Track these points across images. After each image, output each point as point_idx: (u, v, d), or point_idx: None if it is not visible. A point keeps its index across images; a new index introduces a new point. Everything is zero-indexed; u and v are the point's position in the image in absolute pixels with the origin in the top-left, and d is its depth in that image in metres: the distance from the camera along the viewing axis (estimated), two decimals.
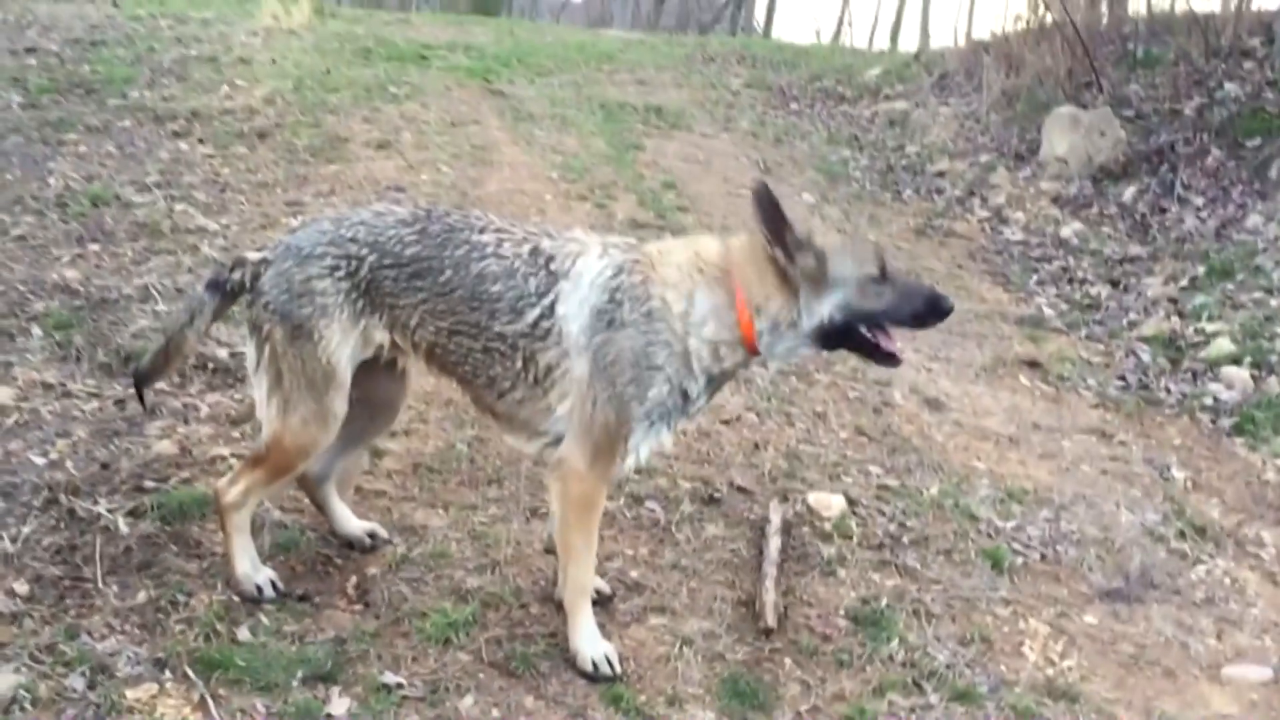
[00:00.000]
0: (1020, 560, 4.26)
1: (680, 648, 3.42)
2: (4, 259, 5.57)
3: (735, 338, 3.14)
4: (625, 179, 8.68)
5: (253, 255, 3.29)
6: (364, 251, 3.18)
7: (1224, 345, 6.48)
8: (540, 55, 14.44)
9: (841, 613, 3.73)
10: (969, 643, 3.69)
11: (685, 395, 3.16)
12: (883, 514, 4.39)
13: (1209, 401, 6.03)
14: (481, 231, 3.23)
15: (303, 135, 8.52)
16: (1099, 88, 11.05)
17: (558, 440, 3.20)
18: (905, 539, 4.24)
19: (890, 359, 3.22)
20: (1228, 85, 10.21)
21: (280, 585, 3.37)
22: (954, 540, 4.29)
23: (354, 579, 3.53)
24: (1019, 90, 11.68)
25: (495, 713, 3.05)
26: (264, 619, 3.25)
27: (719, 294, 3.12)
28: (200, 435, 4.22)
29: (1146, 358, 6.61)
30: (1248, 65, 10.58)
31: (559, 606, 3.38)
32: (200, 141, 8.16)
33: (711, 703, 3.22)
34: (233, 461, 3.92)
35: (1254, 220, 8.34)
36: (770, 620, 3.56)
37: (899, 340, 3.21)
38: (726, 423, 4.94)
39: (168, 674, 2.95)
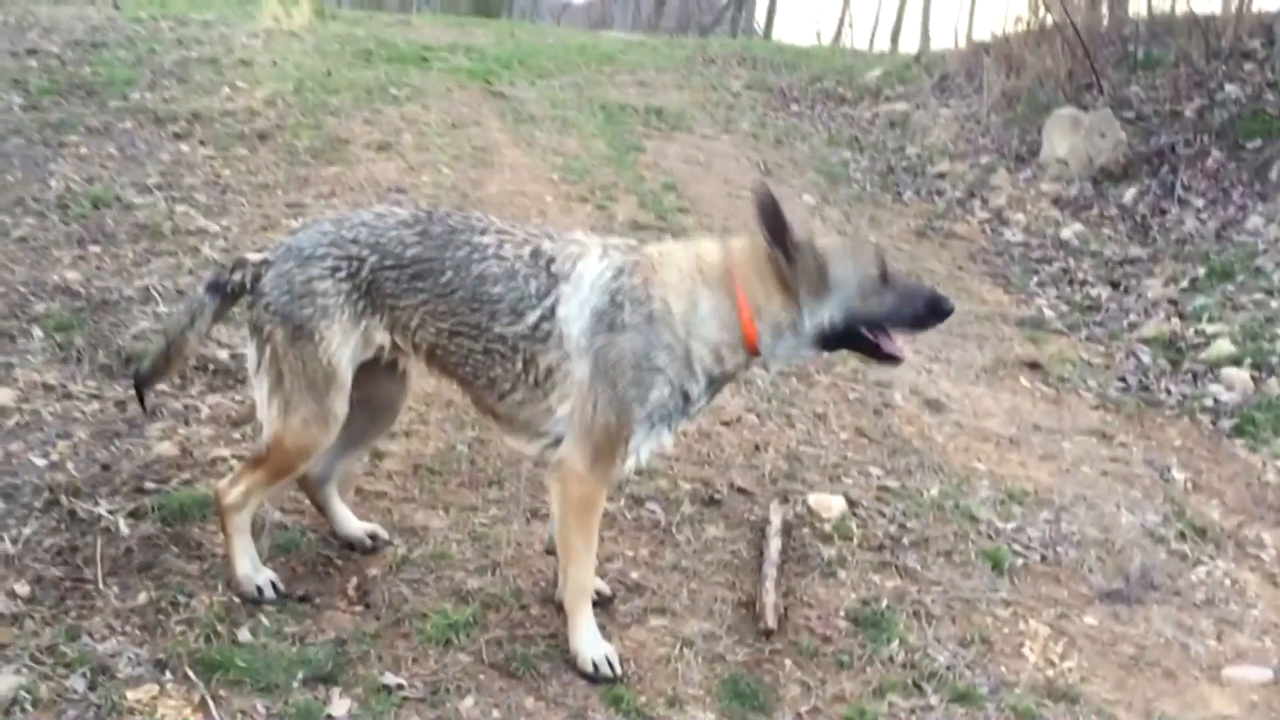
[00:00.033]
0: (1020, 561, 4.26)
1: (680, 649, 3.42)
2: (5, 260, 5.58)
3: (737, 340, 3.14)
4: (626, 180, 8.69)
5: (253, 256, 3.29)
6: (365, 253, 3.18)
7: (1224, 347, 6.48)
8: (541, 57, 14.45)
9: (842, 614, 3.73)
10: (969, 644, 3.69)
11: (686, 396, 3.17)
12: (883, 515, 4.39)
13: (1209, 403, 6.03)
14: (483, 233, 3.23)
15: (303, 137, 8.52)
16: (1099, 89, 11.05)
17: (558, 441, 3.20)
18: (905, 540, 4.25)
19: (892, 358, 3.24)
20: (1228, 87, 10.21)
21: (281, 586, 3.37)
22: (954, 541, 4.29)
23: (354, 580, 3.53)
24: (1019, 92, 11.69)
25: (496, 714, 3.05)
26: (264, 620, 3.25)
27: (721, 297, 3.13)
28: (201, 437, 4.23)
29: (1147, 359, 6.61)
30: (1248, 67, 10.58)
31: (559, 608, 3.38)
32: (201, 143, 8.17)
33: (712, 704, 3.22)
34: (233, 463, 3.92)
35: (1254, 222, 8.34)
36: (770, 621, 3.57)
37: (900, 338, 3.22)
38: (727, 424, 4.94)
39: (168, 675, 2.95)
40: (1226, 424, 5.79)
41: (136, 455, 4.02)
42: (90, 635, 3.05)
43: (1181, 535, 4.62)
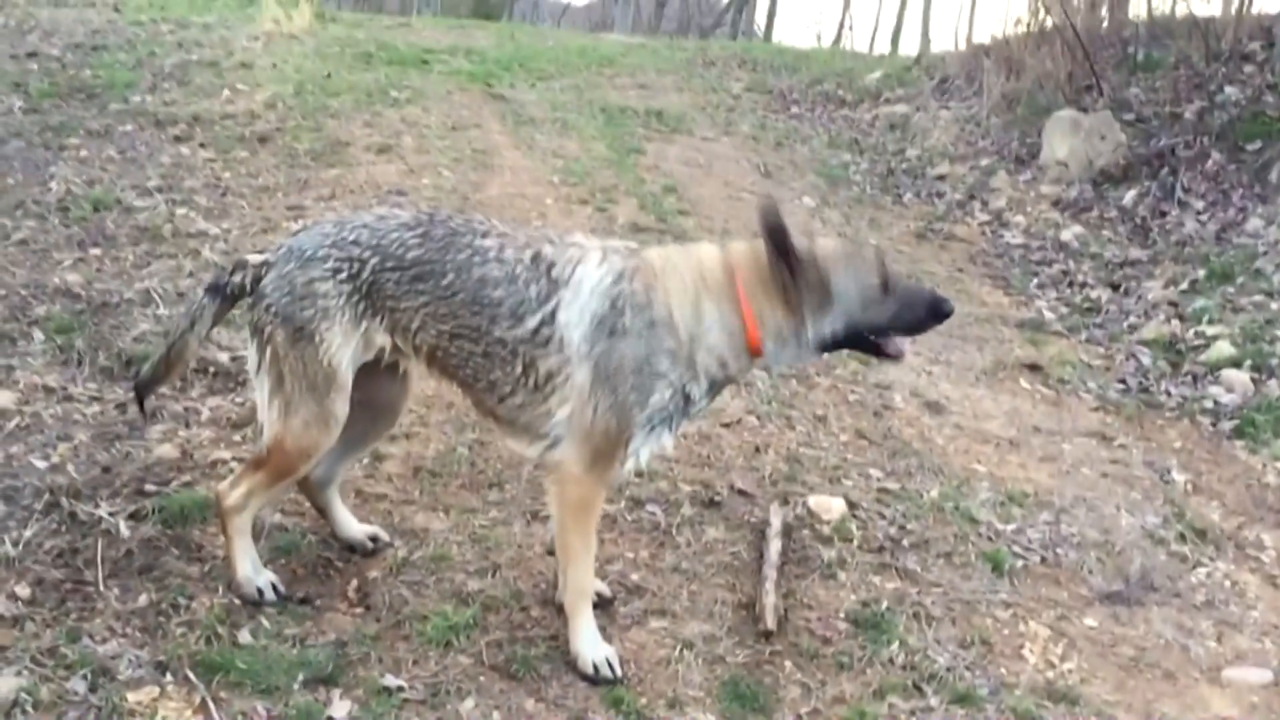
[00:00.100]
0: (1020, 563, 4.26)
1: (681, 650, 3.42)
2: (5, 263, 5.58)
3: (741, 347, 3.17)
4: (626, 183, 8.69)
5: (254, 258, 3.30)
6: (366, 254, 3.19)
7: (1224, 348, 6.48)
8: (541, 59, 14.45)
9: (842, 615, 3.73)
10: (969, 645, 3.69)
11: (688, 398, 3.19)
12: (883, 517, 4.39)
13: (1209, 404, 6.02)
14: (484, 236, 3.23)
15: (304, 139, 8.53)
16: (1099, 91, 11.05)
17: (558, 444, 3.21)
18: (905, 542, 4.25)
19: (893, 356, 3.31)
20: (1228, 89, 10.21)
21: (281, 588, 3.37)
22: (954, 543, 4.29)
23: (355, 582, 3.53)
24: (1019, 94, 11.69)
25: (496, 715, 3.05)
26: (265, 622, 3.25)
27: (726, 308, 3.14)
28: (201, 439, 4.23)
29: (1147, 361, 6.61)
30: (1248, 69, 10.57)
31: (560, 609, 3.39)
32: (201, 146, 8.18)
33: (712, 705, 3.23)
34: (234, 465, 3.92)
35: (1254, 224, 8.34)
36: (770, 623, 3.57)
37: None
38: (727, 426, 4.94)
39: (169, 677, 2.95)
40: (1226, 426, 5.79)
41: (137, 457, 4.03)
42: (91, 637, 3.05)
43: (1181, 537, 4.62)
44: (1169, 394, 6.20)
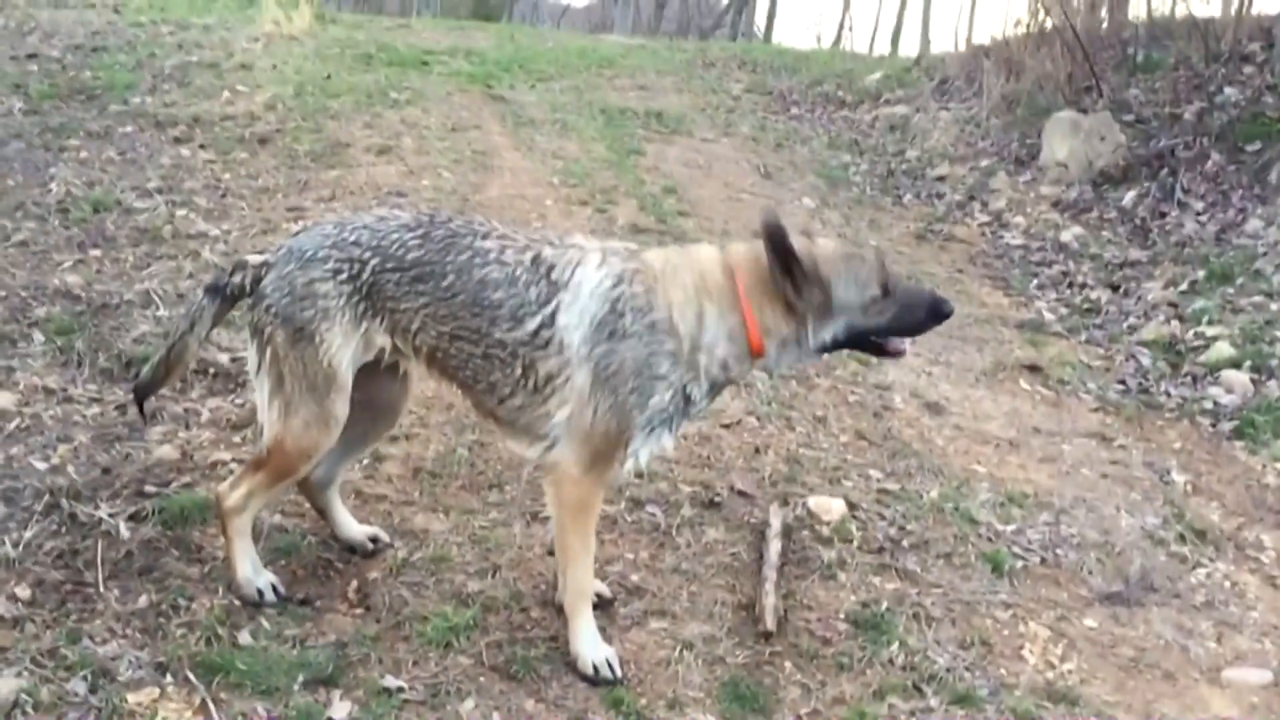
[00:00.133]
0: (1020, 564, 4.26)
1: (681, 651, 3.43)
2: (5, 264, 5.59)
3: (743, 350, 3.19)
4: (626, 184, 8.69)
5: (253, 259, 3.30)
6: (366, 255, 3.19)
7: (1224, 349, 6.48)
8: (541, 60, 14.46)
9: (841, 616, 3.73)
10: (969, 646, 3.69)
11: (688, 399, 3.19)
12: (883, 518, 4.39)
13: (1209, 405, 6.02)
14: (484, 237, 3.23)
15: (304, 141, 8.53)
16: (1099, 92, 11.06)
17: (557, 444, 3.21)
18: (905, 543, 4.25)
19: (894, 354, 3.36)
20: (1228, 90, 10.21)
21: (281, 589, 3.38)
22: (954, 544, 4.29)
23: (355, 583, 3.54)
24: (1019, 95, 11.69)
25: (496, 716, 3.05)
26: (265, 623, 3.26)
27: (727, 311, 3.15)
28: (201, 440, 4.23)
29: (1146, 362, 6.61)
30: (1248, 70, 10.57)
31: (560, 610, 3.39)
32: (201, 147, 8.18)
33: (712, 706, 3.23)
34: (234, 466, 3.92)
35: (1254, 224, 8.34)
36: (770, 624, 3.57)
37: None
38: (727, 427, 4.94)
39: (169, 678, 2.96)
40: (1226, 426, 5.79)
41: (137, 459, 4.03)
42: (91, 638, 3.06)
43: (1181, 537, 4.62)
44: (1169, 395, 6.20)
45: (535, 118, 10.79)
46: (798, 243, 3.12)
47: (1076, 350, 6.76)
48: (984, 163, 10.76)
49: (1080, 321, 7.29)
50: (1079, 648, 3.81)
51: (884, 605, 3.80)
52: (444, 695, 3.09)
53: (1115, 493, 4.96)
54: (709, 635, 3.53)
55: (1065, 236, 8.89)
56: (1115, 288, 7.88)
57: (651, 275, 3.16)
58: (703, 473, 4.54)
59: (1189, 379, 6.38)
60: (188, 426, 4.33)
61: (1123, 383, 6.33)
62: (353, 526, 3.71)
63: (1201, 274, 7.70)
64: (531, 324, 3.14)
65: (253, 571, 3.35)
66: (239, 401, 4.53)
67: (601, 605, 3.53)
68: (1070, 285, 8.02)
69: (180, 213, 6.68)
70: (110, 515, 3.61)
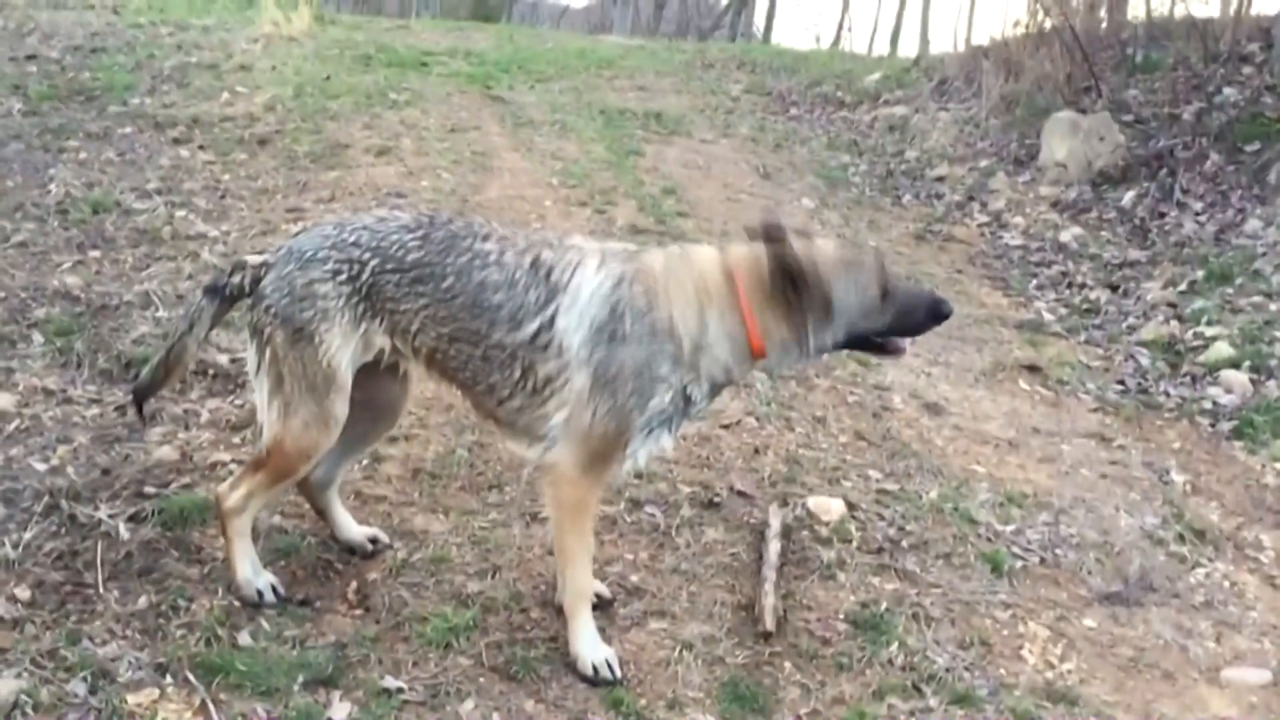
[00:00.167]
0: (1020, 564, 4.26)
1: (680, 652, 3.43)
2: (5, 265, 5.59)
3: (744, 352, 3.20)
4: (625, 185, 8.69)
5: (253, 259, 3.31)
6: (366, 256, 3.19)
7: (1223, 349, 6.48)
8: (540, 61, 14.46)
9: (841, 616, 3.74)
10: (968, 646, 3.69)
11: (688, 400, 3.20)
12: (882, 518, 4.39)
13: (1208, 405, 6.03)
14: (485, 239, 3.23)
15: (303, 142, 8.53)
16: (1098, 93, 11.06)
17: (554, 445, 3.21)
18: (905, 543, 4.25)
19: (894, 352, 3.37)
20: (1226, 90, 10.22)
21: (281, 590, 3.38)
22: (953, 544, 4.30)
23: (354, 584, 3.54)
24: (1018, 95, 11.69)
25: (496, 717, 3.05)
26: (265, 624, 3.26)
27: (728, 314, 3.16)
28: (201, 441, 4.24)
29: (1146, 362, 6.61)
30: (1246, 70, 10.58)
31: (559, 611, 3.39)
32: (201, 148, 8.19)
33: (711, 706, 3.23)
34: (233, 467, 3.93)
35: (1253, 225, 8.35)
36: (769, 624, 3.57)
37: None
38: (726, 427, 4.94)
39: (169, 679, 2.96)
40: (1225, 426, 5.79)
41: (136, 460, 4.03)
42: (91, 639, 3.06)
43: (1180, 537, 4.63)
44: (1168, 395, 6.21)
45: (534, 118, 10.79)
46: (797, 246, 3.12)
47: (1076, 350, 6.76)
48: (983, 163, 10.77)
49: (1079, 322, 7.29)
50: (1078, 648, 3.81)
51: (883, 605, 3.81)
52: (444, 696, 3.09)
53: (1114, 493, 4.96)
54: (708, 635, 3.54)
55: (1064, 237, 8.90)
56: (1114, 288, 7.88)
57: (652, 278, 3.16)
58: (702, 473, 4.54)
59: (1188, 379, 6.38)
60: (187, 427, 4.33)
61: (1122, 383, 6.34)
62: (352, 527, 3.72)
63: (1200, 274, 7.70)
64: (530, 327, 3.14)
65: (252, 572, 3.35)
66: (238, 402, 4.53)
67: (601, 606, 3.53)
68: (1069, 285, 8.02)
69: (179, 214, 6.68)
70: (110, 516, 3.61)
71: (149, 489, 3.84)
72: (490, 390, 3.23)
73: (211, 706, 2.87)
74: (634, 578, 3.80)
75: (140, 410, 3.64)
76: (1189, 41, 11.30)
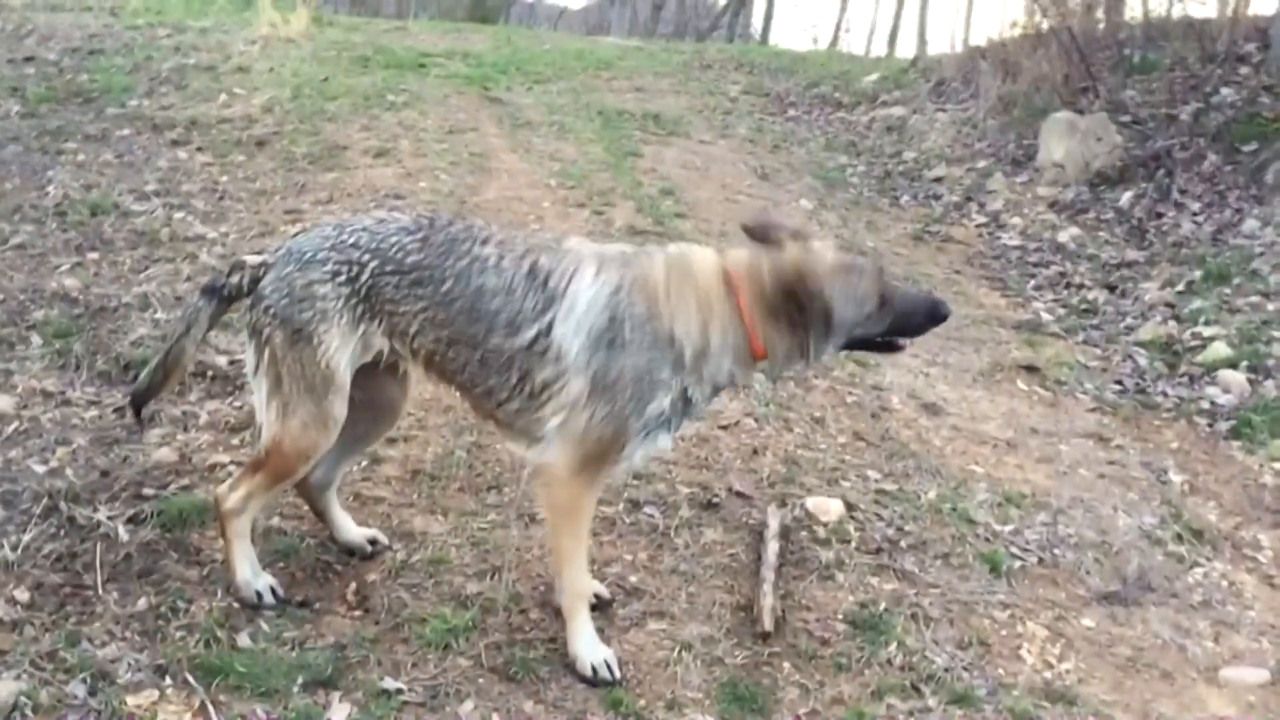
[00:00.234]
0: (1018, 564, 4.26)
1: (679, 652, 3.43)
2: (3, 267, 5.59)
3: (745, 357, 3.22)
4: (623, 186, 8.69)
5: (252, 259, 3.31)
6: (365, 257, 3.19)
7: (1221, 349, 6.49)
8: (538, 63, 14.46)
9: (840, 617, 3.74)
10: (967, 646, 3.69)
11: (688, 401, 3.21)
12: (881, 518, 4.39)
13: (1206, 405, 6.03)
14: (484, 243, 3.23)
15: (301, 143, 8.53)
16: (1095, 93, 11.07)
17: (549, 446, 3.21)
18: (903, 543, 4.25)
19: (892, 350, 3.44)
20: (1224, 90, 10.23)
21: (280, 591, 3.38)
22: (952, 544, 4.30)
23: (354, 585, 3.54)
24: (1016, 96, 11.70)
25: (495, 718, 3.06)
26: (264, 625, 3.26)
27: (730, 324, 3.17)
28: (199, 442, 4.24)
29: (1144, 362, 6.61)
30: (1244, 70, 10.60)
31: (558, 612, 3.39)
32: (199, 150, 8.19)
33: (711, 707, 3.23)
34: (232, 468, 3.93)
35: (1250, 225, 8.35)
36: (768, 624, 3.57)
37: None
38: (725, 428, 4.95)
39: (168, 680, 2.96)
40: (1223, 426, 5.80)
41: (135, 461, 4.04)
42: (90, 641, 3.06)
43: (1179, 537, 4.63)
44: (1166, 395, 6.21)
45: (532, 120, 10.79)
46: (796, 253, 3.12)
47: (1074, 350, 6.76)
48: (981, 164, 10.78)
49: (1077, 322, 7.30)
50: (1077, 647, 3.82)
51: (882, 605, 3.81)
52: (443, 697, 3.09)
53: (1113, 493, 4.96)
54: (707, 636, 3.54)
55: (1062, 237, 8.90)
56: (1112, 288, 7.89)
57: (651, 285, 3.16)
58: (701, 474, 4.54)
59: (1186, 379, 6.39)
60: (186, 429, 4.34)
61: (1120, 383, 6.34)
62: (351, 529, 3.72)
63: (1198, 274, 7.71)
64: (528, 333, 3.14)
65: (252, 574, 3.36)
66: (237, 404, 4.53)
67: (600, 606, 3.54)
68: (1067, 286, 8.03)
69: (178, 215, 6.69)
70: (109, 518, 3.61)
71: (148, 491, 3.84)
72: (488, 393, 3.24)
73: (211, 708, 2.87)
74: (633, 578, 3.80)
75: (138, 415, 3.63)
76: (1186, 42, 11.32)
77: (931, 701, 3.38)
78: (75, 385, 4.53)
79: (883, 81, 14.40)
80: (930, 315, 3.30)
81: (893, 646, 3.59)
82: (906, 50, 26.71)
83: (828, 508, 4.34)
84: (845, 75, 15.29)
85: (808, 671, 3.45)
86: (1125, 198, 9.40)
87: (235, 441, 4.27)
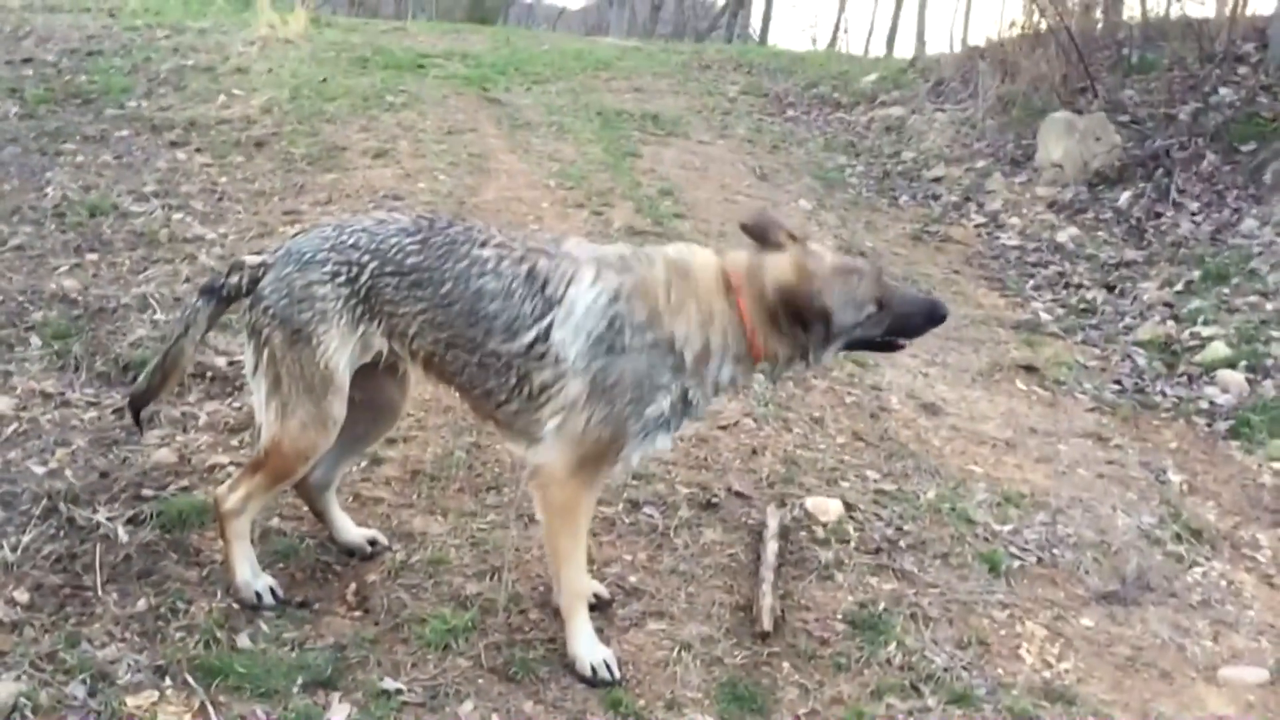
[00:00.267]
0: (1017, 563, 4.27)
1: (679, 652, 3.43)
2: (2, 269, 5.59)
3: (746, 363, 3.23)
4: (622, 186, 8.70)
5: (251, 259, 3.31)
6: (365, 258, 3.19)
7: (1219, 349, 6.49)
8: (537, 63, 14.46)
9: (839, 616, 3.74)
10: (966, 646, 3.70)
11: (688, 403, 3.21)
12: (880, 518, 4.40)
13: (1204, 405, 6.04)
14: (483, 245, 3.23)
15: (300, 144, 8.53)
16: (1094, 93, 11.08)
17: (545, 447, 3.21)
18: (902, 543, 4.25)
19: (890, 349, 3.43)
20: (1222, 90, 10.24)
21: (280, 592, 3.38)
22: (951, 544, 4.30)
23: (353, 586, 3.54)
24: (1014, 96, 11.70)
25: (495, 718, 3.06)
26: (264, 626, 3.26)
27: (732, 332, 3.17)
28: (199, 443, 4.24)
29: (1142, 362, 6.62)
30: (1242, 70, 10.60)
31: (557, 612, 3.40)
32: (197, 151, 8.19)
33: (710, 707, 3.24)
34: (231, 469, 3.93)
35: (1249, 224, 8.36)
36: (767, 624, 3.57)
37: None
38: (724, 428, 4.95)
39: (168, 681, 2.96)
40: (1222, 426, 5.80)
41: (135, 462, 4.04)
42: (90, 642, 3.06)
43: (1177, 537, 4.63)
44: (1164, 395, 6.22)
45: (531, 120, 10.79)
46: (795, 257, 3.12)
47: (1072, 350, 6.77)
48: (979, 164, 10.78)
49: (1076, 322, 7.30)
50: (1076, 647, 3.82)
51: (881, 605, 3.81)
52: (443, 697, 3.09)
53: (1111, 492, 4.97)
54: (707, 636, 3.54)
55: (1061, 237, 8.91)
56: (1111, 288, 7.89)
57: (651, 289, 3.15)
58: (700, 474, 4.54)
59: (1185, 379, 6.39)
60: (185, 430, 4.34)
61: (1119, 383, 6.35)
62: (351, 529, 3.72)
63: (1197, 274, 7.71)
64: (526, 337, 3.14)
65: (251, 574, 3.36)
66: (236, 405, 4.53)
67: (600, 607, 3.54)
68: (1066, 286, 8.04)
69: (176, 216, 6.69)
70: (108, 519, 3.62)
71: (147, 491, 3.85)
72: (487, 394, 3.24)
73: (210, 709, 2.88)
74: (632, 578, 3.81)
75: (137, 419, 3.62)
76: (1184, 42, 11.32)
77: (931, 701, 3.38)
78: (74, 386, 4.53)
79: (881, 82, 14.40)
80: (929, 316, 3.31)
81: (892, 646, 3.59)
82: (905, 50, 26.78)
83: (827, 508, 4.34)
84: (844, 75, 15.29)
85: (807, 671, 3.46)
86: (1124, 197, 9.40)
87: (234, 442, 4.27)
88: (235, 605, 3.31)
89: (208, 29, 12.79)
